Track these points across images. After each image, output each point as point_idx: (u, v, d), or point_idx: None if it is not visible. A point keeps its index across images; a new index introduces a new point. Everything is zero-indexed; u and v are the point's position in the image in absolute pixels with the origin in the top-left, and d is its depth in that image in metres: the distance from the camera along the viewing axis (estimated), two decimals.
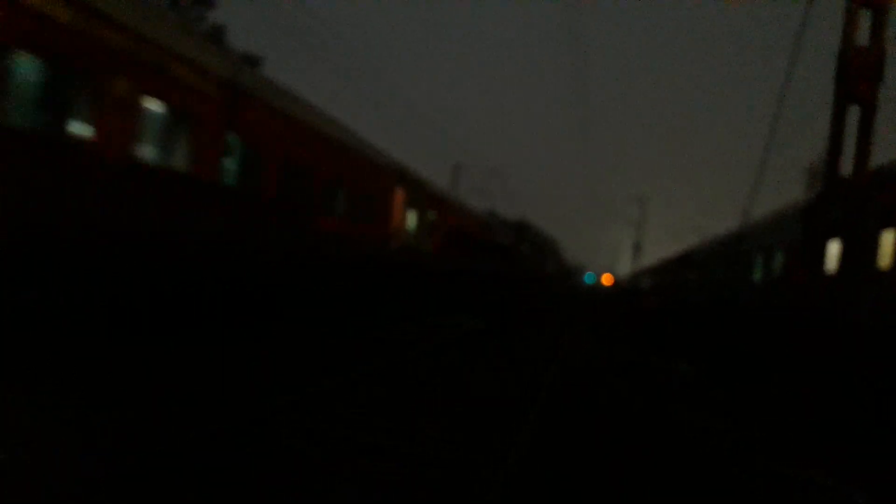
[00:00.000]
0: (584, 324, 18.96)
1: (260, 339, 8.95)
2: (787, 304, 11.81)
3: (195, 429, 4.50)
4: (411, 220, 17.27)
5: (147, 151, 8.12)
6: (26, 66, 6.39)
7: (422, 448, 4.83)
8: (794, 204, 14.46)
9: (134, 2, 7.45)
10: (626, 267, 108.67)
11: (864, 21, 8.54)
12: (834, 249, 10.00)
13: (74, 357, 6.71)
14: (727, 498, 5.44)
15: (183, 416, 4.90)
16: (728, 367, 13.04)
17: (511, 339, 12.55)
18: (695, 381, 11.66)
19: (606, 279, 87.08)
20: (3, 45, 5.82)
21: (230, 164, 9.33)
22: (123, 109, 7.49)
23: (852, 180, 8.16)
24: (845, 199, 8.36)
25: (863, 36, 8.53)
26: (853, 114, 8.35)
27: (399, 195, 17.09)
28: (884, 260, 8.70)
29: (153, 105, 7.84)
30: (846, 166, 8.35)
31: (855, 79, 8.09)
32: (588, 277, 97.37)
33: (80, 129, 6.93)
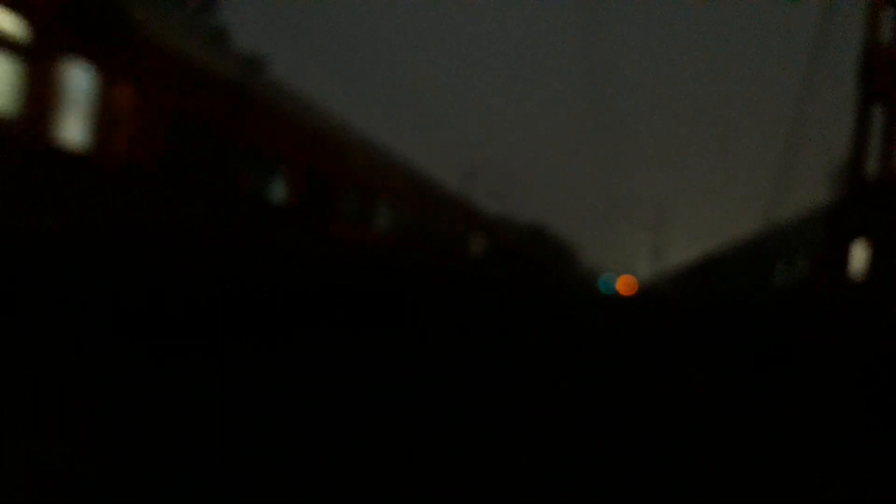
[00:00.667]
0: None
1: None
2: (815, 306, 11.57)
3: None
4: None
5: None
6: None
7: None
8: (818, 207, 14.20)
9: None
10: (642, 271, 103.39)
11: (888, 18, 8.34)
12: (860, 253, 9.76)
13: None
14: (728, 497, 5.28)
15: None
16: (751, 374, 12.77)
17: None
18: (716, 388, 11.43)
19: (625, 285, 65.98)
20: None
21: None
22: None
23: (878, 181, 7.96)
24: (871, 201, 8.15)
25: (886, 34, 8.33)
26: (878, 113, 8.16)
27: None
28: None
29: None
30: (871, 167, 8.15)
31: (879, 77, 7.89)
32: (602, 284, 75.34)
33: None
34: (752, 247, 19.24)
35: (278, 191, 9.72)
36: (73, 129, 5.86)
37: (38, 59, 5.49)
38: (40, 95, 5.53)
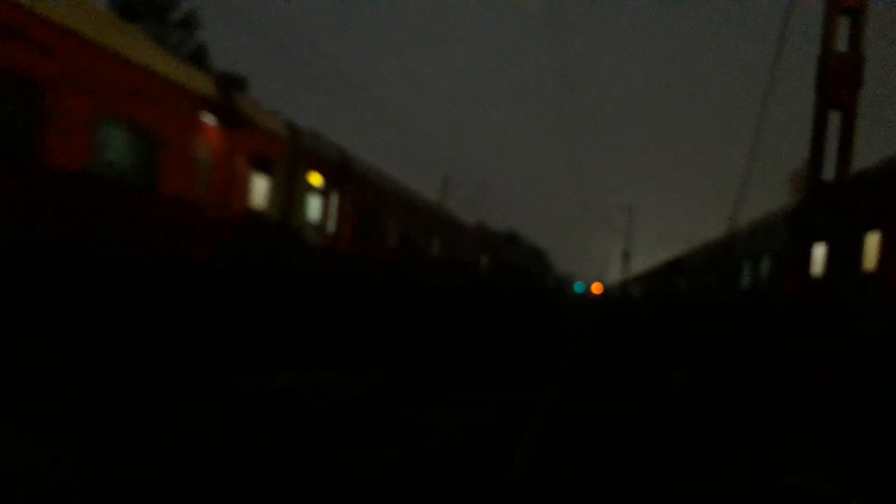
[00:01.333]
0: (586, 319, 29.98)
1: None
2: (777, 309, 11.89)
3: None
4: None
5: None
6: None
7: None
8: (781, 209, 14.59)
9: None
10: (616, 275, 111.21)
11: (843, 27, 8.66)
12: (820, 253, 10.09)
13: None
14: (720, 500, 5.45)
15: None
16: (724, 373, 13.08)
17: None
18: (691, 388, 11.70)
19: (595, 288, 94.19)
20: None
21: None
22: None
23: (835, 185, 8.25)
24: (829, 204, 8.44)
25: (842, 42, 8.65)
26: (834, 119, 8.45)
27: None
28: (869, 262, 8.79)
29: None
30: (829, 171, 8.44)
31: (835, 85, 8.19)
32: (578, 287, 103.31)
33: None
34: (716, 248, 19.69)
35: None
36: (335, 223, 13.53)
37: (324, 195, 12.44)
38: (324, 210, 12.57)
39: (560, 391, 9.47)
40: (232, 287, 9.35)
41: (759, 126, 9.43)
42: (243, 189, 9.55)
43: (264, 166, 10.17)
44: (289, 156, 11.03)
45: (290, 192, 11.08)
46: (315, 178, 12.08)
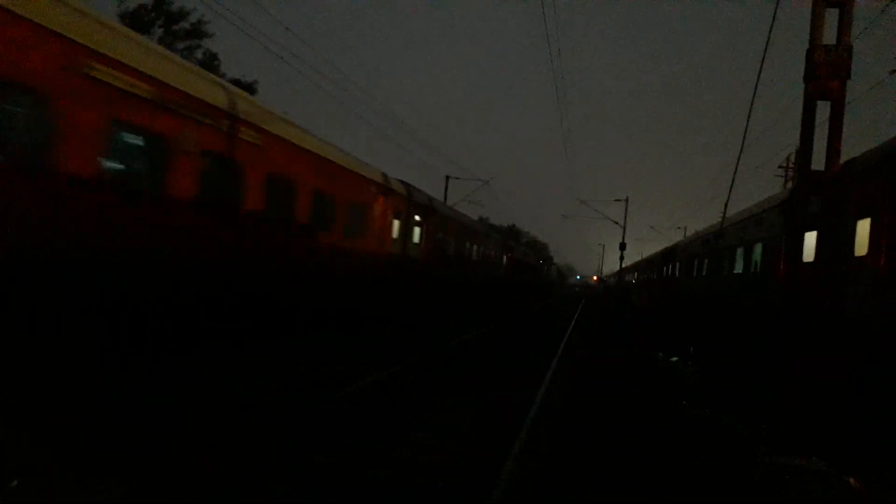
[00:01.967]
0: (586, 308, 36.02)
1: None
2: (770, 297, 12.11)
3: None
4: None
5: None
6: None
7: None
8: (772, 198, 14.81)
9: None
10: (614, 265, 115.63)
11: (831, 19, 8.86)
12: (812, 241, 10.31)
13: None
14: (726, 482, 5.66)
15: None
16: (717, 358, 13.31)
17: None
18: (686, 372, 11.93)
19: (593, 279, 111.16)
20: None
21: None
22: None
23: (825, 173, 8.46)
24: (820, 192, 8.65)
25: (830, 35, 8.85)
26: (823, 109, 8.66)
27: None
28: (860, 248, 9.00)
29: None
30: (819, 161, 8.65)
31: (823, 76, 8.39)
32: (577, 278, 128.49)
33: None
34: (709, 237, 19.92)
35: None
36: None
37: (420, 227, 19.29)
38: (420, 237, 19.71)
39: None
40: (400, 288, 18.02)
41: (750, 116, 9.62)
42: (392, 229, 17.34)
43: (396, 214, 17.59)
44: (406, 206, 18.34)
45: (407, 228, 18.42)
46: (418, 217, 19.31)
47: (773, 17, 8.88)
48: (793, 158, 33.16)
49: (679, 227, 62.60)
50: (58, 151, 6.52)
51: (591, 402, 8.35)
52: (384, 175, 16.60)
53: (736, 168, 10.30)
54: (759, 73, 9.23)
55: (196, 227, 8.74)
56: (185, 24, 31.82)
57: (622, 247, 39.38)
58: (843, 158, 9.17)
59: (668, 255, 32.18)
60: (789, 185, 32.46)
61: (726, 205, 11.65)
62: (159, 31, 31.28)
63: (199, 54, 32.15)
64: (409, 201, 18.22)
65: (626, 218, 39.51)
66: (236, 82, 31.52)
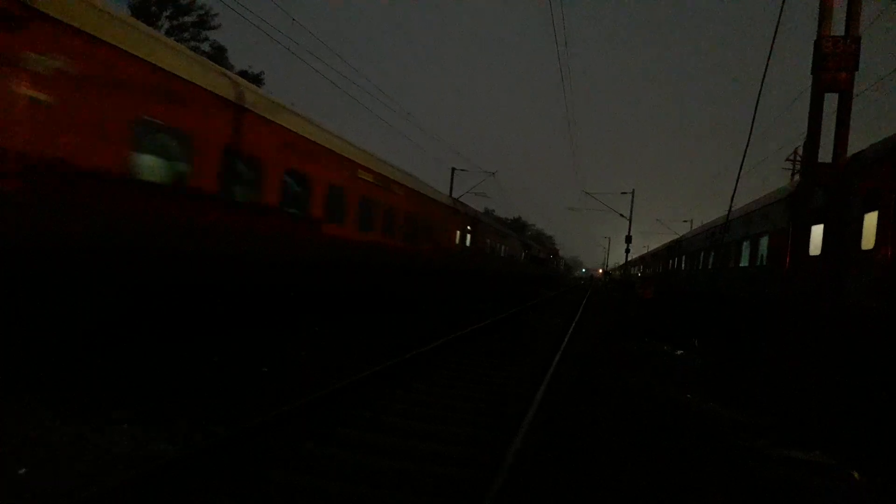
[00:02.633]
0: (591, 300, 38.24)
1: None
2: (775, 289, 12.07)
3: None
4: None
5: None
6: None
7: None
8: (779, 191, 14.73)
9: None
10: (620, 257, 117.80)
11: (839, 11, 8.77)
12: (818, 234, 10.26)
13: None
14: (728, 475, 5.66)
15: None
16: (721, 352, 13.30)
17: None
18: (690, 365, 11.92)
19: (598, 272, 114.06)
20: None
21: None
22: None
23: (832, 166, 8.40)
24: (826, 185, 8.59)
25: (838, 26, 8.77)
26: (831, 101, 8.58)
27: None
28: (867, 242, 8.95)
29: None
30: (826, 154, 8.58)
31: (831, 68, 8.32)
32: (582, 271, 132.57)
33: None
34: (714, 230, 19.86)
35: None
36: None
37: (470, 234, 26.73)
38: (472, 242, 27.21)
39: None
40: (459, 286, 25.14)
41: (758, 108, 9.56)
42: (454, 236, 23.70)
43: (456, 225, 23.88)
44: (461, 219, 24.88)
45: (462, 235, 25.03)
46: (469, 227, 26.14)
47: (781, 9, 8.80)
48: (800, 151, 32.95)
49: (685, 221, 62.37)
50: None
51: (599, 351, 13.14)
52: (450, 197, 24.57)
53: (742, 161, 10.24)
54: (767, 65, 9.17)
55: (379, 243, 15.59)
56: (191, 17, 31.78)
57: (628, 239, 39.28)
58: (851, 151, 9.11)
59: (673, 247, 32.10)
60: (796, 177, 32.28)
61: (732, 198, 11.60)
62: (166, 24, 31.24)
63: (206, 47, 32.13)
64: (463, 215, 25.34)
65: (632, 210, 39.39)
66: (243, 74, 31.47)
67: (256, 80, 32.83)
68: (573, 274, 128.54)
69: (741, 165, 10.28)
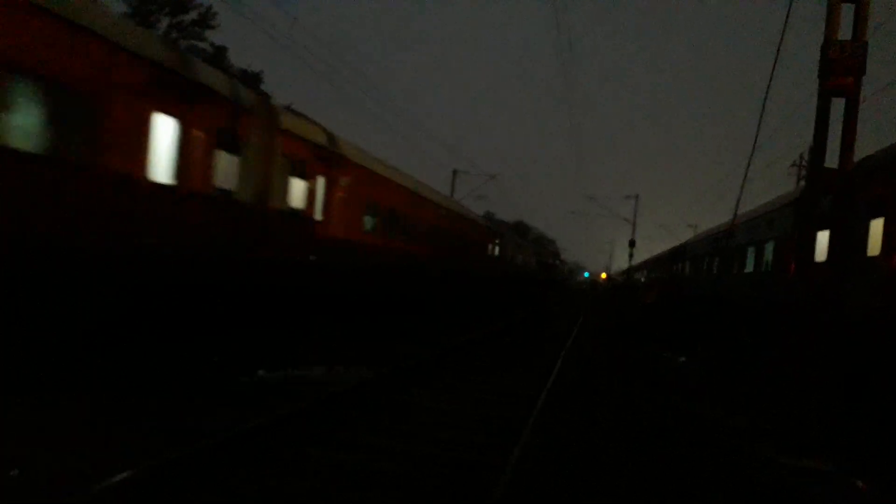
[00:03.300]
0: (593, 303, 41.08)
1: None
2: (780, 295, 11.99)
3: None
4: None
5: None
6: None
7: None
8: (784, 196, 14.65)
9: None
10: (623, 262, 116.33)
11: (846, 15, 8.71)
12: (824, 240, 10.18)
13: None
14: (730, 482, 5.60)
15: None
16: (724, 358, 13.21)
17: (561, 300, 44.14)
18: (691, 371, 11.84)
19: (601, 276, 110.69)
20: None
21: None
22: None
23: (838, 171, 8.33)
24: (832, 190, 8.52)
25: (845, 31, 8.70)
26: (837, 106, 8.52)
27: None
28: (873, 248, 8.88)
29: None
30: (832, 159, 8.51)
31: (838, 73, 8.26)
32: (585, 275, 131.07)
33: None
34: (719, 235, 19.77)
35: None
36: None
37: (497, 246, 33.82)
38: (500, 252, 35.47)
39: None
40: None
41: (763, 113, 9.50)
42: (486, 249, 30.81)
43: (486, 238, 30.28)
44: (489, 234, 30.98)
45: (490, 247, 31.12)
46: (497, 241, 32.25)
47: (788, 13, 8.75)
48: (805, 156, 32.83)
49: (690, 226, 62.24)
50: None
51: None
52: (481, 217, 31.40)
53: (748, 166, 10.18)
54: (773, 69, 9.11)
55: (448, 257, 21.66)
56: (191, 16, 31.57)
57: (632, 244, 39.19)
58: (857, 157, 9.03)
59: (677, 253, 31.98)
60: (801, 183, 32.13)
61: (737, 203, 11.53)
62: (165, 21, 31.09)
63: (205, 46, 32.01)
64: (492, 231, 31.70)
65: (635, 215, 39.30)
66: (242, 73, 31.33)
67: (256, 79, 32.55)
68: (575, 279, 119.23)
69: (746, 171, 10.23)
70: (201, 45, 32.10)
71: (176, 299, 8.08)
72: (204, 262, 8.75)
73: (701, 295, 22.64)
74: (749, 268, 16.19)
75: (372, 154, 15.52)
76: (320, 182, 12.18)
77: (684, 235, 60.84)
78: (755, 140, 9.70)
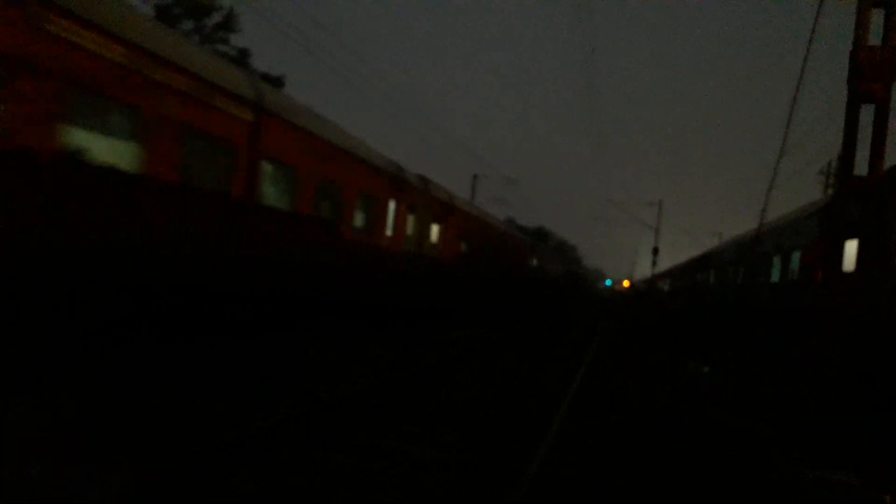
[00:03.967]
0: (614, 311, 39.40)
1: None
2: (807, 304, 11.76)
3: None
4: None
5: None
6: None
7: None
8: (811, 204, 14.39)
9: None
10: (645, 270, 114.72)
11: (877, 20, 8.55)
12: (852, 249, 9.97)
13: None
14: (753, 495, 5.50)
15: None
16: (747, 366, 12.99)
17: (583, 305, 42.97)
18: (716, 381, 11.66)
19: (623, 283, 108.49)
20: None
21: None
22: None
23: (867, 179, 8.17)
24: (862, 198, 8.35)
25: (875, 35, 8.54)
26: (867, 113, 8.36)
27: None
28: None
29: None
30: (861, 166, 8.35)
31: (868, 78, 8.11)
32: (607, 282, 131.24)
33: None
34: (745, 243, 19.47)
35: None
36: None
37: (536, 256, 43.50)
38: (539, 260, 45.47)
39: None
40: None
41: (790, 120, 9.35)
42: (521, 256, 36.59)
43: (524, 248, 37.36)
44: (525, 245, 37.69)
45: (526, 255, 38.40)
46: (533, 250, 40.39)
47: (816, 17, 8.62)
48: (834, 164, 32.23)
49: (715, 233, 61.41)
50: None
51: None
52: (515, 227, 39.56)
53: (774, 173, 10.03)
54: (801, 75, 8.98)
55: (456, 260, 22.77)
56: (216, 19, 31.88)
57: (655, 251, 38.80)
58: (888, 164, 8.84)
59: (702, 260, 31.58)
60: (829, 191, 31.53)
61: (763, 211, 11.36)
62: (188, 24, 31.46)
63: (228, 49, 32.35)
64: (527, 242, 37.31)
65: (659, 221, 38.92)
66: (264, 76, 31.62)
67: (278, 82, 32.79)
68: (596, 286, 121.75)
69: (772, 178, 10.07)
70: (224, 48, 32.41)
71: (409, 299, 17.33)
72: (413, 277, 17.54)
73: (726, 304, 22.31)
74: (775, 277, 15.92)
75: (467, 199, 23.42)
76: (443, 225, 19.82)
77: (709, 242, 60.08)
78: (782, 146, 9.56)
